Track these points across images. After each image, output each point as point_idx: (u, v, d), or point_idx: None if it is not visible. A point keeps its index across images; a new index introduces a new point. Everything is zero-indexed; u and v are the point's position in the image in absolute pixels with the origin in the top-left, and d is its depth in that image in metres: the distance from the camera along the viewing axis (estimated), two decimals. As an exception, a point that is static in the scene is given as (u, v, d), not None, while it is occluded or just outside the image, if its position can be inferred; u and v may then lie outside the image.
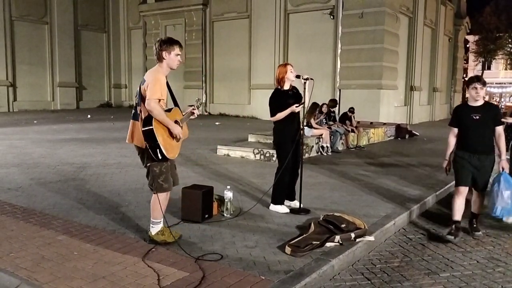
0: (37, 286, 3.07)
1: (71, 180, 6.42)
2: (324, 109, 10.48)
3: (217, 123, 16.56)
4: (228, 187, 4.90)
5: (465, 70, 46.67)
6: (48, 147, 9.61)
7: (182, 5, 22.09)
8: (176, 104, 3.96)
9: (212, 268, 3.39)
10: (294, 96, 5.00)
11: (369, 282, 3.54)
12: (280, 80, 4.99)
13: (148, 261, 3.48)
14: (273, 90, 5.12)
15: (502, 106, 36.17)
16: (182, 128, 3.83)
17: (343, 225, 4.16)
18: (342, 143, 10.63)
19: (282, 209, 5.00)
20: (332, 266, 3.57)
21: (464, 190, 4.61)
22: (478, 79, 4.49)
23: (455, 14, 24.94)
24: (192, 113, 3.95)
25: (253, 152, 8.80)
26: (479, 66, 49.16)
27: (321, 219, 4.38)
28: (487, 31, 42.84)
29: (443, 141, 13.67)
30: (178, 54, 3.82)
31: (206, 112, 21.53)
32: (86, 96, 25.25)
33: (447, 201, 6.23)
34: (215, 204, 4.82)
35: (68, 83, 23.98)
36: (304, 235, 4.02)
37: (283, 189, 5.06)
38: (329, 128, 10.15)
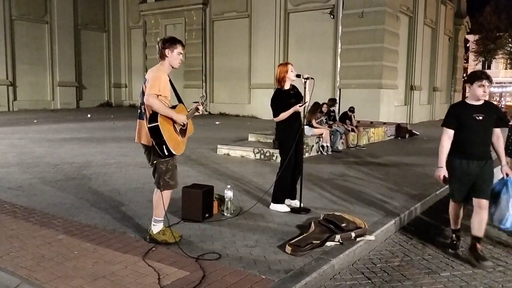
0: (37, 285, 3.07)
1: (71, 180, 6.41)
2: (324, 108, 10.48)
3: (217, 123, 16.56)
4: (229, 186, 4.90)
5: (465, 70, 46.66)
6: (48, 147, 9.60)
7: (182, 4, 22.08)
8: (180, 101, 3.97)
9: (212, 267, 3.38)
10: (295, 95, 5.00)
11: (370, 281, 3.53)
12: (281, 80, 4.98)
13: (148, 260, 3.48)
14: (273, 89, 5.11)
15: (502, 106, 36.22)
16: (186, 124, 3.85)
17: (343, 225, 4.15)
18: (342, 142, 10.63)
19: (282, 208, 5.00)
20: (332, 265, 3.56)
21: (459, 204, 4.16)
22: (487, 75, 3.86)
23: (455, 14, 24.93)
24: (197, 109, 3.97)
25: (253, 152, 8.80)
26: (479, 66, 49.20)
27: (321, 218, 4.38)
28: (487, 30, 42.88)
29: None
30: (181, 53, 3.85)
31: (206, 111, 21.53)
32: (86, 96, 25.25)
33: (448, 201, 6.24)
34: (215, 204, 4.82)
35: (68, 82, 23.98)
36: (305, 235, 4.02)
37: (285, 188, 5.06)
38: (330, 127, 10.15)
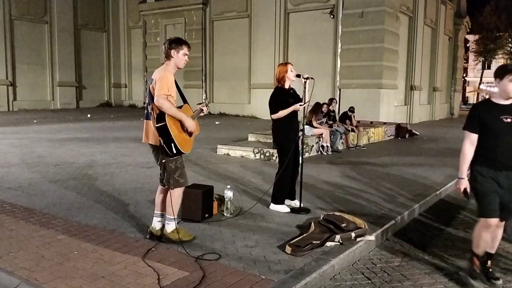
0: (37, 286, 3.07)
1: (71, 180, 6.41)
2: (324, 109, 10.48)
3: (217, 123, 16.55)
4: (228, 186, 4.90)
5: (465, 70, 46.73)
6: (48, 147, 9.60)
7: (182, 4, 22.07)
8: (185, 101, 3.98)
9: (212, 267, 3.38)
10: (294, 95, 5.01)
11: (370, 281, 3.53)
12: (281, 79, 4.98)
13: (148, 261, 3.48)
14: (273, 89, 5.11)
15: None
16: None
17: (343, 225, 4.15)
18: (342, 142, 10.63)
19: (282, 208, 4.99)
20: (332, 265, 3.56)
21: (495, 222, 3.40)
22: None
23: (455, 14, 24.92)
24: (202, 110, 4.04)
25: (253, 152, 8.79)
26: (479, 66, 49.26)
27: (321, 218, 4.37)
28: (487, 30, 42.92)
29: (443, 141, 13.72)
30: (186, 54, 3.86)
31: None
32: (86, 96, 25.23)
33: (449, 201, 6.25)
34: (215, 204, 4.81)
35: (68, 82, 23.97)
36: (305, 235, 4.01)
37: (284, 188, 5.05)
38: (330, 127, 10.14)
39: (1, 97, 21.25)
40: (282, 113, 4.91)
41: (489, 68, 50.14)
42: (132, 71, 26.30)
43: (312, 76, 4.97)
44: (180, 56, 3.83)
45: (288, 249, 3.73)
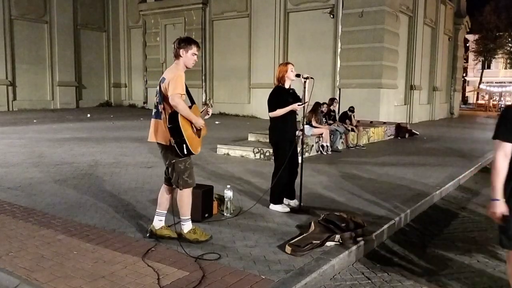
0: (37, 286, 3.06)
1: (71, 179, 6.41)
2: (324, 108, 10.48)
3: (216, 122, 16.54)
4: (228, 186, 4.89)
5: (465, 69, 46.75)
6: (47, 146, 9.59)
7: (182, 4, 22.06)
8: (193, 102, 3.99)
9: (212, 267, 3.38)
10: (293, 95, 5.01)
11: (370, 281, 3.53)
12: (281, 79, 4.99)
13: (147, 261, 3.47)
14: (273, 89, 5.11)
15: (502, 106, 36.19)
16: None
17: (343, 225, 4.14)
18: (342, 142, 10.62)
19: (282, 208, 4.99)
20: (332, 265, 3.56)
21: None
22: None
23: (455, 13, 24.92)
24: (207, 113, 4.06)
25: (253, 151, 8.79)
26: (479, 65, 49.27)
27: (321, 218, 4.37)
28: (487, 30, 42.95)
29: (443, 140, 13.73)
30: (195, 54, 3.87)
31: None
32: (86, 95, 25.22)
33: (449, 200, 6.24)
34: (215, 204, 4.81)
35: (68, 82, 23.96)
36: (304, 235, 4.01)
37: (282, 188, 5.05)
38: (330, 125, 10.15)
39: (0, 97, 21.22)
40: (280, 111, 4.91)
41: (489, 67, 50.17)
42: (132, 71, 26.29)
43: (312, 75, 4.96)
44: (189, 56, 3.83)
45: (288, 249, 3.72)
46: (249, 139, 9.93)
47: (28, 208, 4.89)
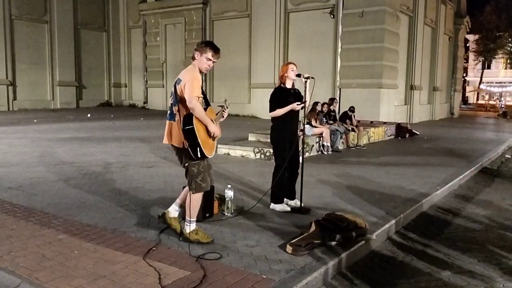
0: (38, 285, 3.07)
1: (71, 179, 6.41)
2: (325, 108, 10.49)
3: (217, 122, 16.52)
4: (229, 186, 4.89)
5: (465, 69, 46.75)
6: (48, 146, 9.60)
7: (182, 4, 22.08)
8: (208, 104, 3.98)
9: (213, 267, 3.38)
10: (295, 95, 5.01)
11: (370, 281, 3.53)
12: (281, 78, 5.02)
13: (149, 260, 3.48)
14: (273, 89, 5.13)
15: (502, 106, 36.20)
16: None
17: (344, 224, 4.14)
18: (343, 142, 10.62)
19: (282, 208, 4.99)
20: (333, 265, 3.56)
21: None
22: None
23: (455, 13, 24.92)
24: (222, 115, 4.02)
25: (254, 151, 8.79)
26: (479, 65, 49.26)
27: (322, 218, 4.37)
28: (487, 30, 42.96)
29: (443, 140, 13.75)
30: (210, 59, 3.82)
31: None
32: (86, 95, 25.23)
33: (449, 200, 6.25)
34: (215, 203, 4.81)
35: (68, 82, 23.96)
36: (305, 234, 4.01)
37: (282, 188, 5.06)
38: (330, 125, 10.15)
39: (1, 97, 21.24)
40: (279, 111, 4.93)
41: (489, 67, 50.17)
42: (132, 71, 26.31)
43: (312, 75, 4.96)
44: (203, 59, 3.80)
45: (289, 248, 3.73)
46: (249, 139, 9.93)
47: (29, 207, 4.90)
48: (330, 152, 9.75)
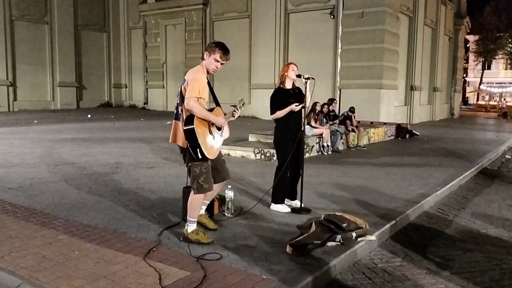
0: (38, 286, 3.07)
1: (72, 180, 6.41)
2: (325, 109, 10.49)
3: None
4: (229, 186, 4.90)
5: (465, 70, 46.75)
6: (48, 147, 9.60)
7: (182, 4, 22.09)
8: (217, 103, 3.98)
9: (213, 267, 3.38)
10: (296, 95, 5.01)
11: (371, 281, 3.53)
12: (281, 77, 5.03)
13: (149, 261, 3.48)
14: (273, 89, 5.13)
15: (503, 106, 36.19)
16: (223, 127, 3.91)
17: (344, 225, 4.15)
18: (343, 142, 10.63)
19: (283, 208, 4.99)
20: (333, 265, 3.56)
21: None
22: None
23: (455, 14, 24.92)
24: (233, 114, 3.98)
25: (254, 152, 8.79)
26: (479, 66, 49.28)
27: (322, 218, 4.38)
28: (487, 30, 42.97)
29: (444, 141, 13.75)
30: (218, 61, 3.81)
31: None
32: (86, 96, 25.24)
33: (449, 201, 6.25)
34: (216, 204, 4.81)
35: (68, 82, 23.97)
36: (305, 235, 4.01)
37: (284, 188, 5.06)
38: (331, 123, 10.17)
39: (1, 98, 21.26)
40: (279, 113, 4.95)
41: (489, 68, 50.19)
42: (132, 72, 26.32)
43: (312, 76, 4.96)
44: (211, 60, 3.80)
45: (289, 249, 3.73)
46: (249, 140, 9.94)
47: (30, 208, 4.90)
48: (330, 153, 9.76)
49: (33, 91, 22.63)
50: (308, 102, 5.04)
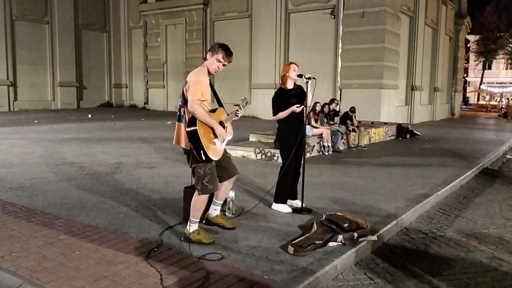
0: (39, 286, 3.06)
1: (73, 180, 6.41)
2: (325, 109, 10.48)
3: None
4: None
5: (466, 70, 46.74)
6: (49, 147, 9.60)
7: (183, 4, 22.09)
8: (220, 104, 3.97)
9: (214, 267, 3.37)
10: (297, 95, 5.00)
11: (372, 281, 3.52)
12: (283, 78, 5.02)
13: (150, 261, 3.47)
14: (274, 89, 5.13)
15: (503, 106, 36.16)
16: (226, 128, 3.89)
17: (345, 225, 4.14)
18: (344, 142, 10.62)
19: (284, 208, 4.99)
20: (335, 265, 3.55)
21: None
22: None
23: (456, 14, 24.91)
24: (236, 114, 3.99)
25: (255, 152, 8.78)
26: (480, 66, 49.26)
27: (323, 218, 4.37)
28: (488, 30, 42.96)
29: (444, 141, 13.76)
30: (220, 61, 3.81)
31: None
32: (87, 96, 25.23)
33: (450, 201, 6.24)
34: (216, 204, 4.80)
35: (69, 82, 23.97)
36: (307, 235, 4.00)
37: (286, 188, 5.06)
38: (331, 125, 10.15)
39: (2, 97, 21.25)
40: (281, 114, 4.96)
41: (489, 68, 50.16)
42: (133, 72, 26.30)
43: (313, 76, 4.96)
44: (213, 61, 3.79)
45: (290, 249, 3.72)
46: (250, 140, 9.93)
47: (30, 208, 4.89)
48: (331, 153, 9.75)
49: (34, 91, 22.63)
50: (310, 102, 5.03)
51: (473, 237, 4.68)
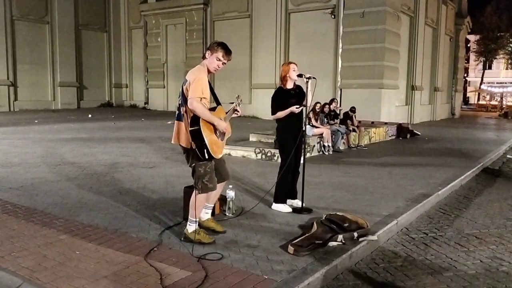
0: (39, 286, 3.06)
1: (73, 180, 6.41)
2: (326, 109, 10.48)
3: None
4: (230, 186, 4.89)
5: (466, 70, 46.72)
6: (49, 147, 9.60)
7: (183, 4, 22.09)
8: (218, 102, 3.97)
9: (214, 267, 3.37)
10: (297, 95, 5.00)
11: (372, 281, 3.52)
12: (283, 79, 5.01)
13: (150, 261, 3.47)
14: (274, 89, 5.12)
15: (503, 106, 36.14)
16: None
17: (345, 225, 4.14)
18: (344, 142, 10.62)
19: (284, 208, 4.98)
20: (335, 265, 3.55)
21: None
22: None
23: (456, 14, 24.90)
24: (235, 111, 3.98)
25: (255, 152, 8.78)
26: (480, 66, 49.24)
27: (323, 218, 4.37)
28: (488, 30, 42.94)
29: (445, 141, 13.75)
30: (219, 60, 3.81)
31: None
32: (87, 96, 25.24)
33: (451, 201, 6.24)
34: (217, 204, 4.79)
35: (69, 82, 23.98)
36: (307, 235, 4.00)
37: (286, 188, 5.06)
38: (331, 125, 10.14)
39: (2, 97, 21.26)
40: (280, 114, 4.96)
41: (490, 68, 50.14)
42: (133, 71, 26.32)
43: (313, 76, 4.95)
44: (213, 59, 3.79)
45: (290, 249, 3.72)
46: (250, 140, 9.93)
47: (30, 208, 4.89)
48: (331, 153, 9.74)
49: (34, 91, 22.63)
50: (310, 102, 5.03)
51: (473, 237, 4.68)
